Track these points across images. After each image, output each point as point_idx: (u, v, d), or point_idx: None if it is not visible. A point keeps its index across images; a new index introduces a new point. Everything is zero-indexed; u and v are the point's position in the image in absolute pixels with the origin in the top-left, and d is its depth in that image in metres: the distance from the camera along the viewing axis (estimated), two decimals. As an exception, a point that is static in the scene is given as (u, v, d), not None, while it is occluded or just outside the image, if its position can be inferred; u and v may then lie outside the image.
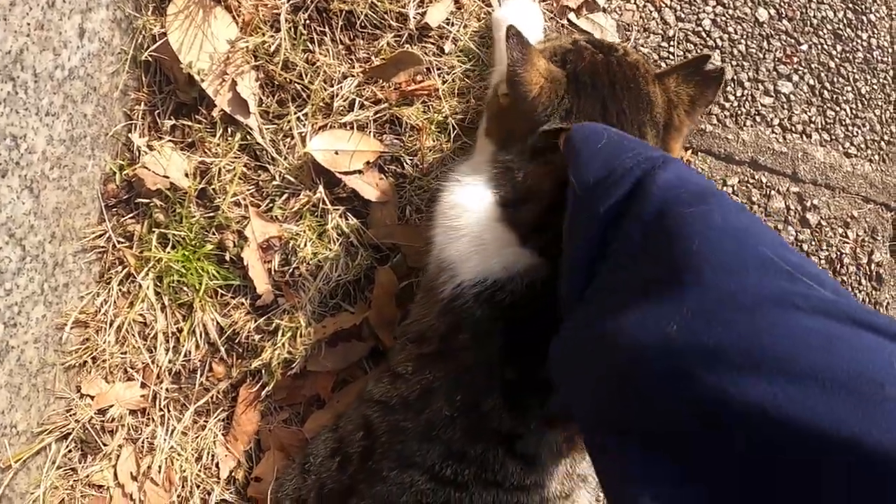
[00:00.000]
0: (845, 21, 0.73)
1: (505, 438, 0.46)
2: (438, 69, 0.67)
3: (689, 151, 0.70)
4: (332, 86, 0.65)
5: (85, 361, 0.65)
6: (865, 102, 0.73)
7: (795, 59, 0.69)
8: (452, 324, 0.48)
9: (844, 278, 0.71)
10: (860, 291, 0.72)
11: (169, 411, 0.64)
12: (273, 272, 0.64)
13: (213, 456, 0.65)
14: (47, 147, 0.57)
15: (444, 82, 0.66)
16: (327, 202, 0.64)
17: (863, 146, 0.73)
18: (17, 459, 0.58)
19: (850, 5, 0.72)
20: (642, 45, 0.70)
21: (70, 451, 0.64)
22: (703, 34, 0.71)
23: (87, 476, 0.65)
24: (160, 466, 0.63)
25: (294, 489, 0.56)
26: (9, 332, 0.57)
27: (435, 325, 0.50)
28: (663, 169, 0.37)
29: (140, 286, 0.63)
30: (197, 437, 0.64)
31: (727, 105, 0.71)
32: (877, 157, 0.73)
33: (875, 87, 0.74)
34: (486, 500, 0.47)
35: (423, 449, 0.47)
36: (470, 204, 0.49)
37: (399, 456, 0.48)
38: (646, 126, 0.49)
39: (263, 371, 0.64)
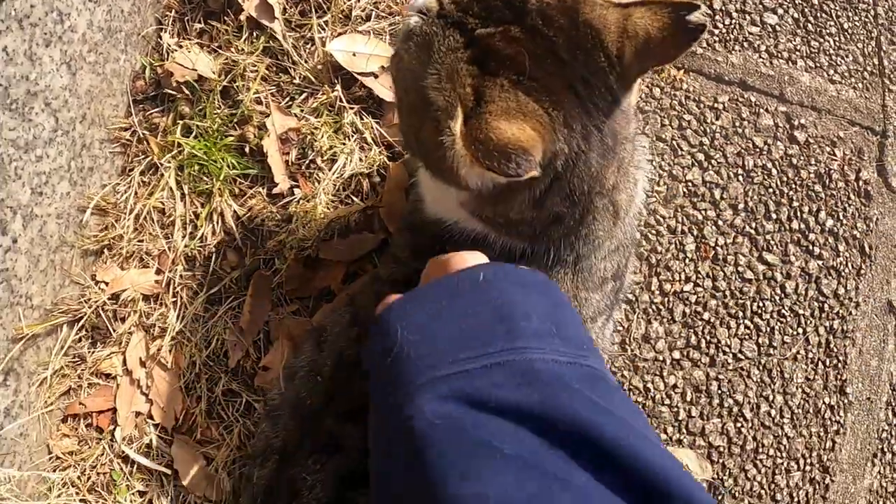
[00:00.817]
0: None
1: None
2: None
3: (682, 71, 0.75)
4: (351, -1, 0.70)
5: (101, 249, 0.67)
6: (848, 37, 0.79)
7: (780, -8, 0.76)
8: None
9: (834, 193, 0.75)
10: (850, 206, 0.75)
11: (181, 298, 0.65)
12: (290, 164, 0.67)
13: (222, 343, 0.65)
14: (87, 31, 0.61)
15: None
16: (344, 100, 0.68)
17: (846, 75, 0.78)
18: (29, 330, 0.59)
19: None
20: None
21: (80, 339, 0.65)
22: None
23: (96, 364, 0.65)
24: (170, 350, 0.64)
25: (309, 361, 0.57)
26: (34, 200, 0.59)
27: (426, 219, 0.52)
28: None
29: (161, 175, 0.65)
30: (207, 325, 0.65)
31: (716, 31, 0.77)
32: (860, 85, 0.78)
33: (857, 23, 0.80)
34: None
35: None
36: None
37: None
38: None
39: (276, 259, 0.66)
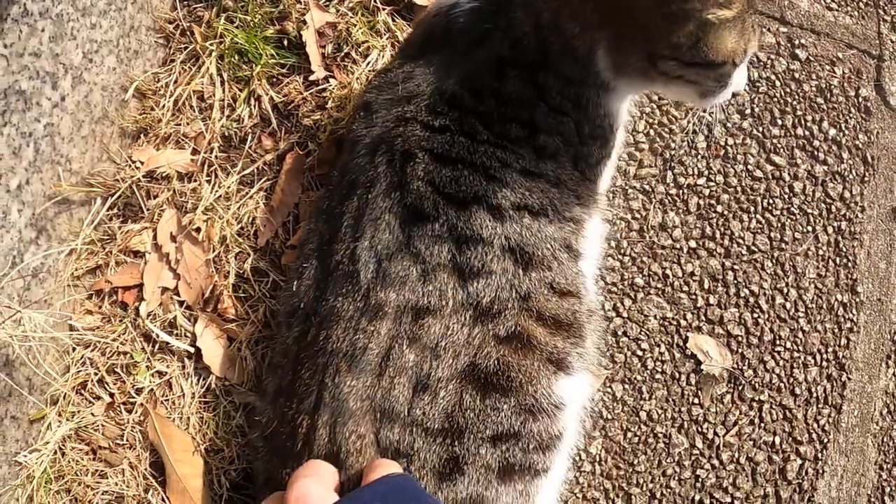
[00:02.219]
0: None
1: None
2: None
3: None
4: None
5: (138, 133, 0.70)
6: None
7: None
8: None
9: (835, 106, 0.82)
10: (851, 119, 0.81)
11: (216, 176, 0.68)
12: (326, 56, 0.72)
13: (253, 221, 0.68)
14: None
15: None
16: (378, 2, 0.74)
17: (843, 3, 0.86)
18: (66, 191, 0.61)
19: None
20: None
21: (111, 217, 0.68)
22: None
23: (126, 240, 0.67)
24: (202, 224, 0.66)
25: None
26: (84, 64, 0.63)
27: None
28: None
29: (202, 63, 0.70)
30: (239, 203, 0.68)
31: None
32: (856, 13, 0.86)
33: None
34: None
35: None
36: None
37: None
38: None
39: (309, 143, 0.70)
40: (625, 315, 0.70)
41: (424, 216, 0.50)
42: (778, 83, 0.79)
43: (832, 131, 0.79)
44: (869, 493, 0.74)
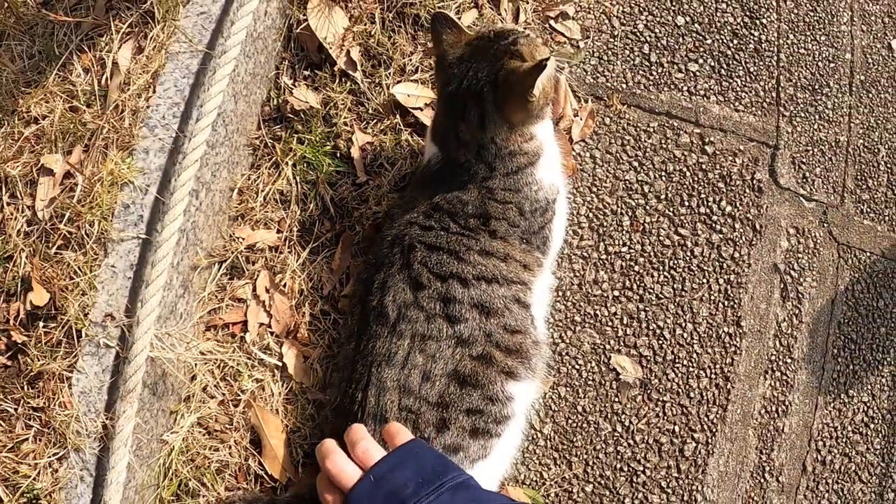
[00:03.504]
0: (742, 23, 1.20)
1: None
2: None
3: (625, 105, 1.15)
4: (404, 57, 1.11)
5: (237, 217, 1.06)
6: (753, 77, 1.18)
7: (701, 49, 1.15)
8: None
9: (733, 188, 1.14)
10: (745, 197, 1.13)
11: (294, 248, 1.04)
12: (366, 165, 1.07)
13: (320, 279, 1.04)
14: (244, 74, 1.01)
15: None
16: (401, 125, 1.08)
17: (749, 105, 1.17)
18: (199, 263, 0.97)
19: (748, 12, 1.20)
20: (597, 41, 1.17)
21: (223, 274, 1.04)
22: (637, 34, 1.18)
23: (233, 291, 1.04)
24: (287, 282, 1.02)
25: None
26: (211, 179, 0.97)
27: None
28: None
29: (281, 169, 1.05)
30: (310, 267, 1.04)
31: (651, 77, 1.16)
32: (759, 112, 1.17)
33: (762, 67, 1.19)
34: None
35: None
36: None
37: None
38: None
39: (357, 225, 1.05)
40: (567, 341, 1.05)
41: (422, 286, 0.85)
42: (688, 174, 1.11)
43: (728, 208, 1.12)
44: (751, 470, 1.08)
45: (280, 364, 1.01)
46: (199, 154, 0.81)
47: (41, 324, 0.84)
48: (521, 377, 0.86)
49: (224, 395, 1.01)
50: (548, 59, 0.81)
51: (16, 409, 0.84)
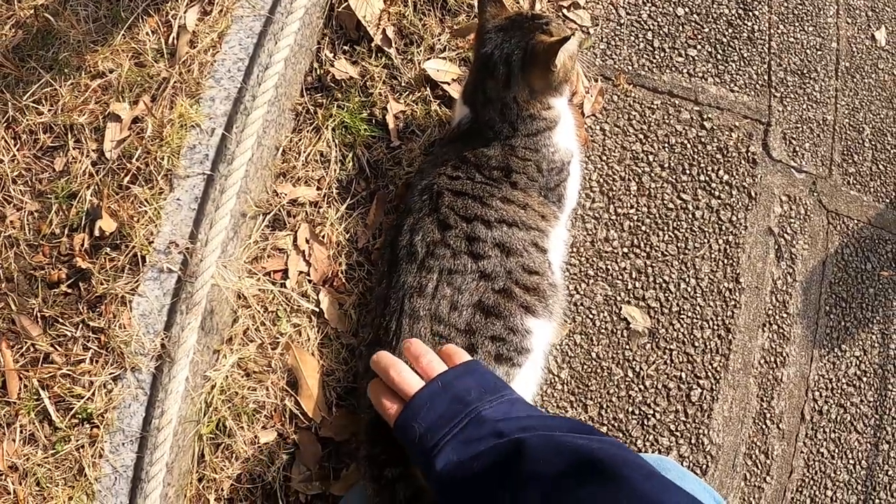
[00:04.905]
0: (737, 14, 1.33)
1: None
2: (492, 35, 1.25)
3: (631, 85, 1.26)
4: (433, 37, 1.22)
5: (281, 174, 1.15)
6: (747, 62, 1.30)
7: (700, 37, 1.28)
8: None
9: (730, 160, 1.24)
10: (741, 168, 1.24)
11: (332, 204, 1.13)
12: (399, 131, 1.17)
13: (356, 232, 1.12)
14: (299, 41, 1.12)
15: (495, 41, 1.24)
16: (431, 97, 1.19)
17: (743, 86, 1.28)
18: (249, 210, 1.05)
19: (741, 4, 1.33)
20: (605, 28, 1.30)
21: (266, 226, 1.12)
22: (641, 23, 1.30)
23: (275, 241, 1.12)
24: (326, 234, 1.10)
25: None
26: (262, 135, 1.07)
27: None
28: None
29: (322, 133, 1.15)
30: (347, 221, 1.12)
31: (654, 61, 1.28)
32: (753, 93, 1.28)
33: (755, 53, 1.31)
34: None
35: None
36: None
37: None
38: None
39: (389, 185, 1.14)
40: (582, 293, 1.13)
41: (449, 226, 0.93)
42: (689, 146, 1.22)
43: (726, 177, 1.22)
44: (753, 416, 1.15)
45: (317, 310, 1.08)
46: (267, 98, 0.90)
47: (106, 251, 0.91)
48: (538, 314, 0.94)
49: (263, 338, 1.07)
50: (572, 34, 0.92)
51: (74, 332, 0.90)
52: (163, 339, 0.90)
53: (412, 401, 0.65)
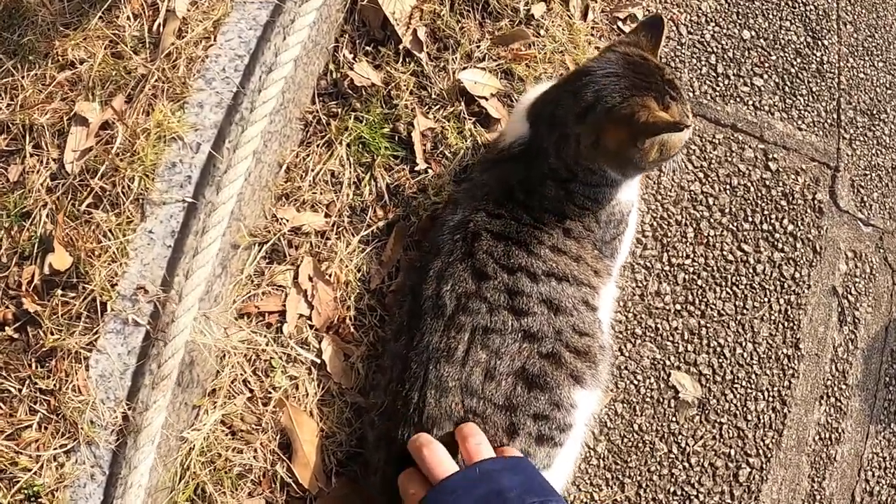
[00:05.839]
0: (805, 43, 1.18)
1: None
2: (537, 45, 1.07)
3: (691, 115, 1.11)
4: (471, 43, 1.04)
5: (282, 196, 0.96)
6: (815, 97, 1.16)
7: (766, 65, 1.13)
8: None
9: (795, 207, 1.10)
10: (807, 217, 1.10)
11: (343, 235, 0.95)
12: (426, 152, 0.99)
13: (368, 271, 0.94)
14: (307, 41, 0.92)
15: (539, 53, 1.07)
16: (465, 114, 1.00)
17: (811, 125, 1.14)
18: (242, 241, 0.86)
19: (810, 33, 1.18)
20: (664, 47, 1.13)
21: (262, 258, 0.93)
22: (704, 44, 1.14)
23: (271, 276, 0.93)
24: (333, 271, 0.92)
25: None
26: (262, 150, 0.86)
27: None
28: None
29: (335, 148, 0.96)
30: (360, 257, 0.94)
31: (717, 89, 1.13)
32: (821, 133, 1.14)
33: (823, 88, 1.17)
34: None
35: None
36: None
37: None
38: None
39: (412, 216, 0.96)
40: (626, 354, 0.98)
41: (487, 276, 0.77)
42: (752, 189, 1.07)
43: (790, 227, 1.08)
44: (802, 498, 1.02)
45: (318, 361, 0.91)
46: (269, 108, 0.71)
47: (59, 292, 0.72)
48: (586, 383, 0.78)
49: (254, 391, 0.90)
50: (686, 126, 0.74)
51: (20, 390, 0.71)
52: (125, 409, 0.71)
53: (441, 484, 0.60)
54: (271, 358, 0.91)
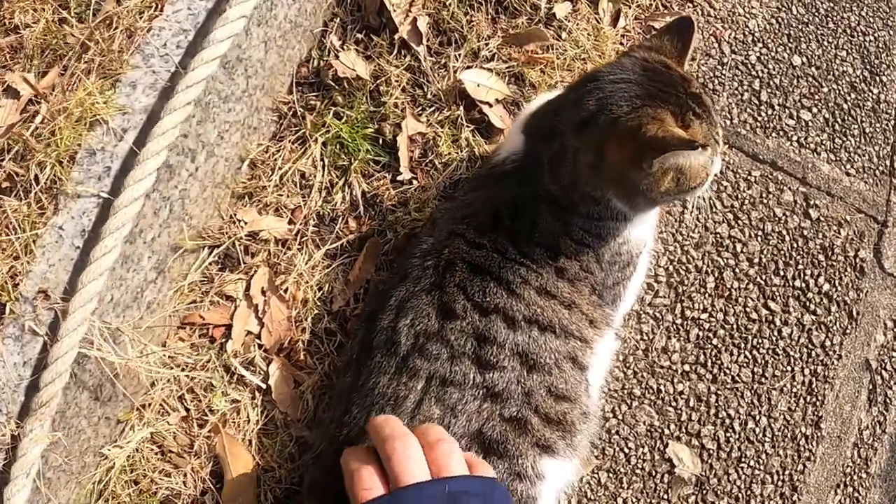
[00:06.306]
0: (861, 77, 1.02)
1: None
2: (556, 48, 0.94)
3: (726, 146, 0.96)
4: (479, 40, 0.91)
5: (245, 195, 0.84)
6: (868, 139, 1.00)
7: (816, 97, 0.97)
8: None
9: (834, 264, 0.95)
10: (846, 277, 0.95)
11: (306, 246, 0.83)
12: (413, 160, 0.86)
13: (331, 290, 0.82)
14: (283, 20, 0.77)
15: (558, 58, 0.93)
16: (463, 120, 0.87)
17: (861, 170, 0.99)
18: (184, 244, 0.75)
19: (868, 66, 1.03)
20: (703, 65, 0.99)
21: (213, 262, 0.82)
22: (749, 66, 1.00)
23: (221, 285, 0.81)
24: (289, 287, 0.81)
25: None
26: (217, 141, 0.75)
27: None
28: None
29: (309, 147, 0.84)
30: (323, 273, 0.82)
31: (759, 118, 0.98)
32: (871, 180, 0.99)
33: (878, 129, 1.01)
34: None
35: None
36: None
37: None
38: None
39: (388, 231, 0.84)
40: (619, 418, 0.84)
41: (455, 315, 0.64)
42: (787, 238, 0.93)
43: (826, 286, 0.93)
44: None
45: (263, 386, 0.79)
46: (193, 94, 0.59)
47: (-47, 290, 0.61)
48: (558, 454, 0.65)
49: (189, 410, 0.79)
50: (702, 146, 0.59)
51: None
52: (14, 429, 0.60)
53: (402, 491, 0.50)
54: (212, 376, 0.80)
